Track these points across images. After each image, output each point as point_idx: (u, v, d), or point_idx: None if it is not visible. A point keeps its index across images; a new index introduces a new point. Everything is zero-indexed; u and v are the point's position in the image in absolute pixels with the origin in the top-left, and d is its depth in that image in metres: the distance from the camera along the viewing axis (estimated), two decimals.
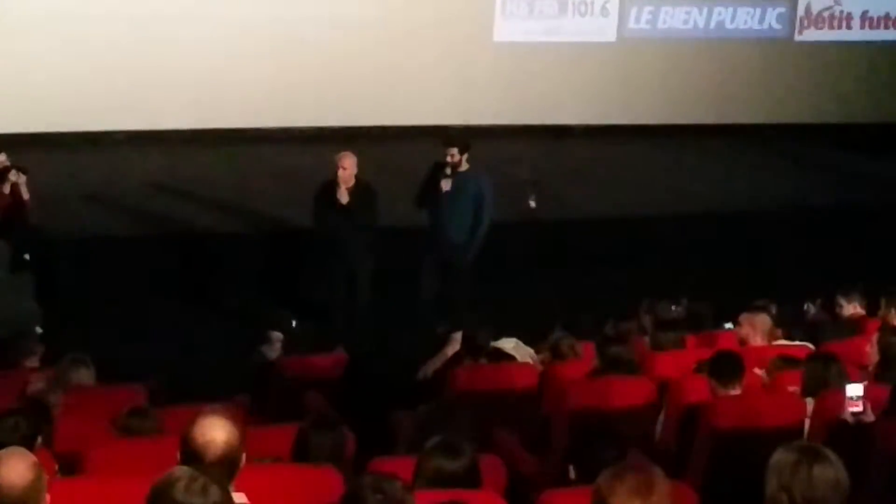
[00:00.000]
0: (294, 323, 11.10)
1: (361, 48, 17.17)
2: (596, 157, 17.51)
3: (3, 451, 5.07)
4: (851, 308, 10.74)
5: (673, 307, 11.12)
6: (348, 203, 11.78)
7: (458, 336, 9.52)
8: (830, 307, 10.98)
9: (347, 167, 11.84)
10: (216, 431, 5.03)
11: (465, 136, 12.72)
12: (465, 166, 12.19)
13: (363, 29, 17.15)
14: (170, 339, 11.88)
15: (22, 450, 5.14)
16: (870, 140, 18.13)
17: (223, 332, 12.21)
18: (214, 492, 4.42)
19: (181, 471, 4.57)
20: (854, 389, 7.25)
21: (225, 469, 4.96)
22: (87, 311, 12.23)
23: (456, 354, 9.50)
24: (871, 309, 10.77)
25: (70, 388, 8.34)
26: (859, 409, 7.20)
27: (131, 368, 9.69)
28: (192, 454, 5.03)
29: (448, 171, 12.11)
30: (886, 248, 14.09)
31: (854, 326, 10.32)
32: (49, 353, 9.73)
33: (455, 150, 12.13)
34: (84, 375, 8.58)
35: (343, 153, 11.98)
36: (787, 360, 8.63)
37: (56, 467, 6.36)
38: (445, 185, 12.06)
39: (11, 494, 4.84)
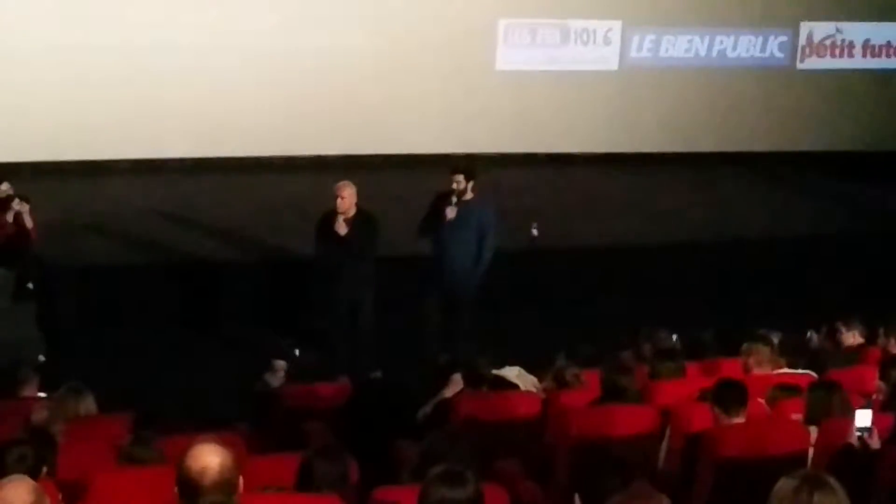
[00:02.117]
0: (297, 352, 11.10)
1: (363, 77, 17.21)
2: (598, 185, 17.53)
3: (6, 478, 5.10)
4: (851, 337, 10.76)
5: (674, 336, 11.11)
6: (347, 234, 11.76)
7: (457, 378, 9.48)
8: (833, 335, 10.98)
9: (346, 196, 11.82)
10: (210, 457, 5.04)
11: (471, 165, 12.70)
12: (469, 195, 12.16)
13: (365, 58, 17.19)
14: (172, 367, 11.88)
15: (23, 476, 5.17)
16: (872, 168, 18.15)
17: (225, 360, 12.21)
18: None
19: None
20: (863, 417, 7.23)
21: (223, 494, 4.96)
22: (89, 339, 12.23)
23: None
24: (872, 337, 10.78)
25: (71, 416, 8.33)
26: (868, 433, 7.19)
27: (133, 397, 9.67)
28: (189, 482, 5.03)
29: (453, 199, 12.08)
30: (887, 277, 14.11)
31: (855, 355, 10.33)
32: (51, 381, 9.73)
33: (461, 178, 12.11)
34: (84, 404, 8.57)
35: (342, 183, 11.95)
36: (787, 389, 8.63)
37: (60, 497, 6.35)
38: (450, 212, 12.02)
39: None
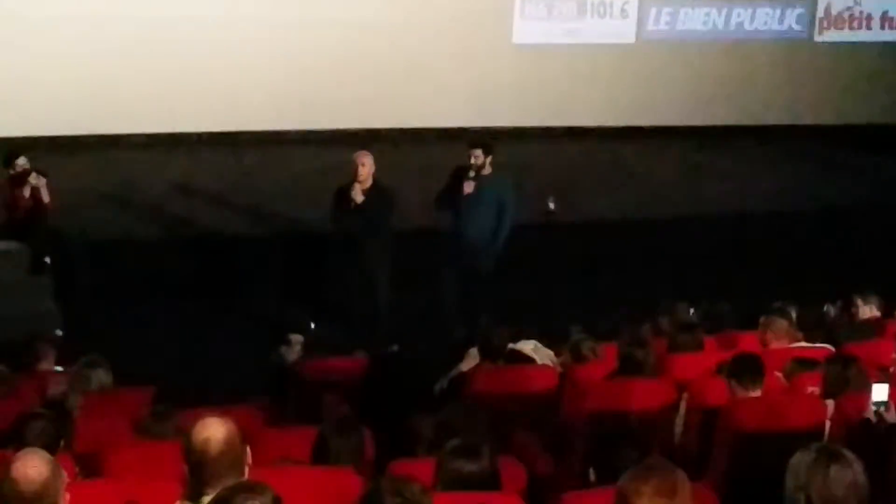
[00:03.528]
0: (313, 325, 11.09)
1: (380, 50, 17.18)
2: (615, 158, 17.49)
3: (22, 451, 5.12)
4: (868, 310, 10.73)
5: (691, 310, 11.10)
6: (363, 202, 11.76)
7: (474, 352, 9.49)
8: (849, 309, 10.96)
9: (366, 164, 11.83)
10: (213, 430, 5.06)
11: (489, 139, 12.69)
12: (488, 169, 12.16)
13: (381, 31, 17.16)
14: (188, 341, 11.90)
15: (39, 449, 5.19)
16: (890, 140, 18.07)
17: (242, 334, 12.22)
18: None
19: (240, 484, 4.60)
20: (880, 391, 7.22)
21: (230, 466, 4.98)
22: (106, 313, 12.25)
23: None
24: (889, 310, 10.75)
25: (89, 390, 8.35)
26: (885, 407, 7.18)
27: (150, 371, 9.69)
28: (194, 455, 5.06)
29: (471, 173, 12.08)
30: None
31: (871, 328, 10.30)
32: (68, 355, 9.75)
33: (479, 152, 12.11)
34: (102, 377, 8.59)
35: (361, 152, 12.00)
36: (804, 363, 8.61)
37: (76, 470, 6.37)
38: (468, 186, 12.02)
39: (29, 490, 4.88)
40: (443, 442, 5.97)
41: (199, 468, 5.03)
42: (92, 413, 7.89)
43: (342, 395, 8.80)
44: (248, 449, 5.12)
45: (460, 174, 12.14)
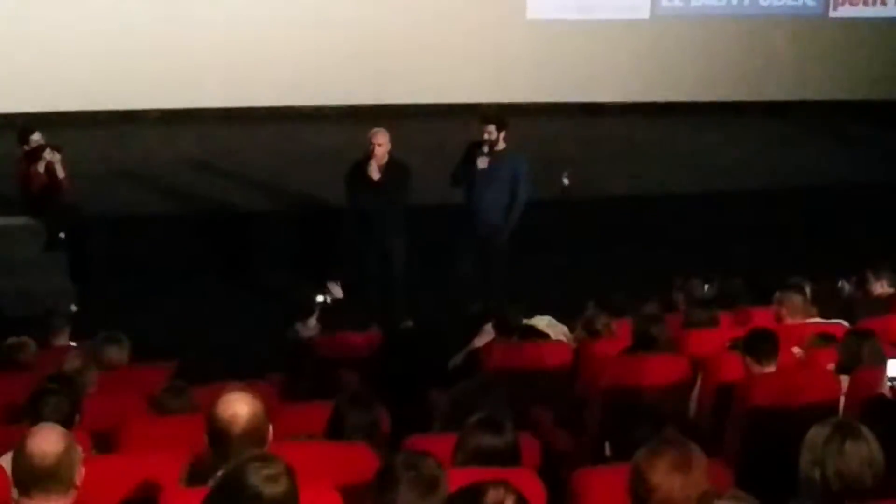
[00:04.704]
0: (320, 298, 11.00)
1: (394, 26, 17.17)
2: (629, 134, 17.46)
3: (37, 426, 5.14)
4: (879, 286, 10.71)
5: (706, 286, 11.09)
6: (380, 179, 11.75)
7: (489, 327, 9.48)
8: (863, 284, 10.94)
9: (382, 143, 11.79)
10: (240, 405, 5.07)
11: (502, 114, 12.66)
12: (501, 145, 12.12)
13: (396, 6, 17.17)
14: (203, 317, 11.92)
15: (54, 424, 5.21)
16: None
17: (257, 310, 12.24)
18: (284, 481, 4.45)
19: (251, 454, 4.60)
20: (895, 366, 7.21)
21: (253, 443, 4.99)
22: (121, 288, 12.28)
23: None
24: None
25: (104, 365, 8.37)
26: None
27: (165, 346, 9.72)
28: (218, 430, 5.07)
29: (485, 148, 12.05)
30: None
31: (887, 304, 10.29)
32: (83, 330, 9.77)
33: (492, 128, 12.06)
34: (118, 353, 8.61)
35: (376, 130, 11.93)
36: (825, 338, 8.60)
37: (90, 444, 6.38)
38: (482, 162, 11.99)
39: (44, 464, 4.90)
40: (458, 417, 5.97)
41: (222, 443, 5.05)
42: (108, 389, 7.91)
43: (357, 371, 8.81)
44: (271, 427, 5.14)
45: (474, 150, 12.12)
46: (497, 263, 12.31)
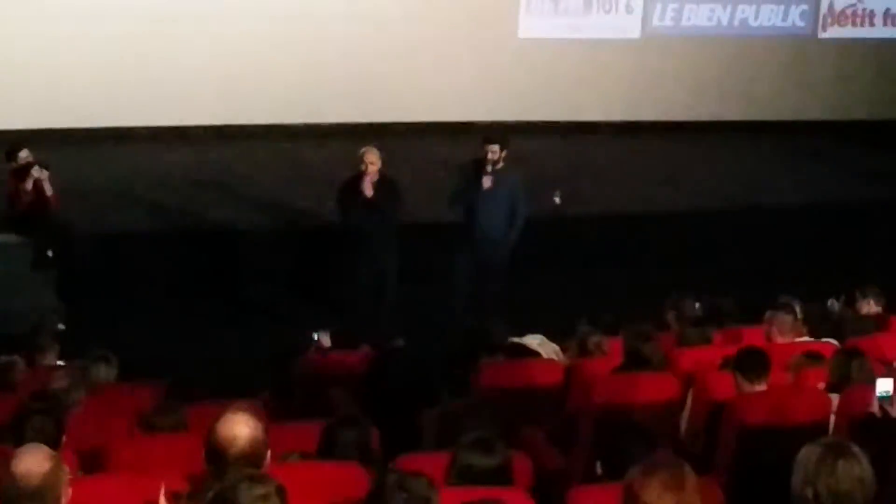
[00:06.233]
0: (320, 337, 10.90)
1: (386, 44, 17.17)
2: (621, 153, 17.48)
3: (23, 447, 5.10)
4: (867, 305, 10.74)
5: (696, 304, 11.08)
6: (373, 196, 11.76)
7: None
8: (852, 304, 10.96)
9: (374, 161, 11.82)
10: (240, 428, 5.05)
11: (504, 134, 12.72)
12: (501, 164, 12.19)
13: (388, 25, 17.15)
14: (193, 335, 11.88)
15: (41, 445, 5.17)
16: (891, 136, 18.07)
17: (248, 328, 12.21)
18: (275, 501, 4.43)
19: (242, 473, 4.58)
20: (884, 384, 7.22)
21: (250, 465, 4.97)
22: (110, 307, 12.24)
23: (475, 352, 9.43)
24: (891, 304, 10.75)
25: (92, 385, 8.33)
26: (889, 401, 7.18)
27: (154, 365, 9.69)
28: (216, 451, 5.04)
29: (489, 168, 12.09)
30: None
31: (876, 323, 10.31)
32: (70, 349, 9.73)
33: (496, 147, 12.15)
34: (107, 372, 8.58)
35: (367, 148, 11.97)
36: (812, 357, 8.61)
37: (78, 465, 6.34)
38: (487, 182, 12.06)
39: (29, 485, 4.86)
40: (449, 437, 5.96)
41: (220, 463, 5.02)
42: (96, 408, 7.87)
43: (348, 389, 8.79)
44: (269, 450, 5.12)
45: (477, 169, 12.15)
46: (495, 281, 12.34)
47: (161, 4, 16.28)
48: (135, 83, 16.28)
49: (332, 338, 9.93)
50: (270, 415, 7.88)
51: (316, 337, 9.90)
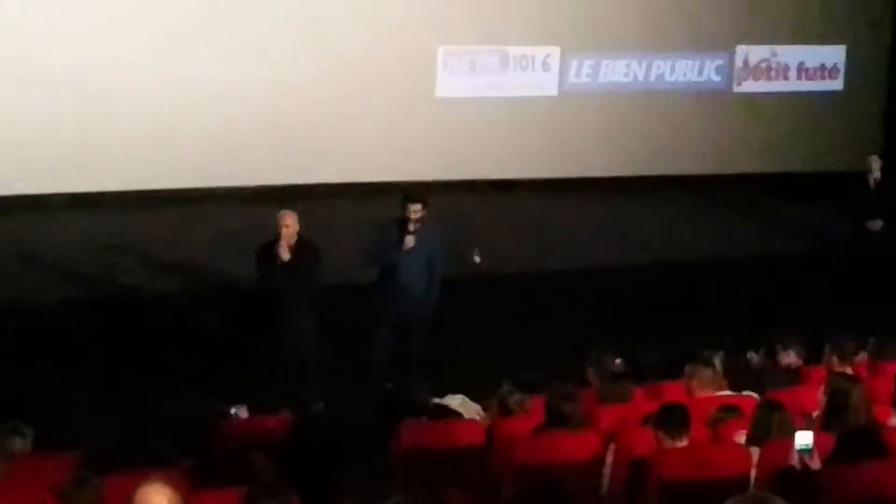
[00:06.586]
0: (237, 413, 10.82)
1: (303, 106, 17.18)
2: (540, 210, 17.54)
3: None
4: (787, 357, 10.80)
5: (618, 360, 11.09)
6: (290, 260, 11.73)
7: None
8: (772, 356, 11.02)
9: (290, 224, 11.80)
10: (157, 499, 4.99)
11: (423, 193, 12.74)
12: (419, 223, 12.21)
13: (305, 86, 17.16)
14: (111, 403, 11.73)
15: None
16: (808, 189, 18.29)
17: (165, 395, 12.05)
18: None
19: None
20: (803, 437, 7.26)
21: None
22: (24, 376, 12.06)
23: (396, 414, 9.40)
24: (812, 356, 10.82)
25: (7, 457, 8.20)
26: (809, 454, 7.21)
27: (71, 435, 9.54)
28: None
29: (412, 227, 12.08)
30: (823, 296, 14.21)
31: (795, 375, 10.38)
32: None
33: (419, 207, 12.14)
34: (20, 444, 8.44)
35: (284, 211, 11.94)
36: (729, 409, 8.66)
37: None
38: (410, 241, 12.05)
39: None
40: (369, 501, 5.92)
41: None
42: (11, 480, 7.74)
43: (269, 454, 8.71)
44: None
45: (396, 229, 12.14)
46: (416, 340, 12.31)
47: (72, 72, 16.17)
48: (50, 150, 16.16)
49: (249, 412, 9.86)
50: (192, 483, 7.80)
51: (234, 412, 9.82)
